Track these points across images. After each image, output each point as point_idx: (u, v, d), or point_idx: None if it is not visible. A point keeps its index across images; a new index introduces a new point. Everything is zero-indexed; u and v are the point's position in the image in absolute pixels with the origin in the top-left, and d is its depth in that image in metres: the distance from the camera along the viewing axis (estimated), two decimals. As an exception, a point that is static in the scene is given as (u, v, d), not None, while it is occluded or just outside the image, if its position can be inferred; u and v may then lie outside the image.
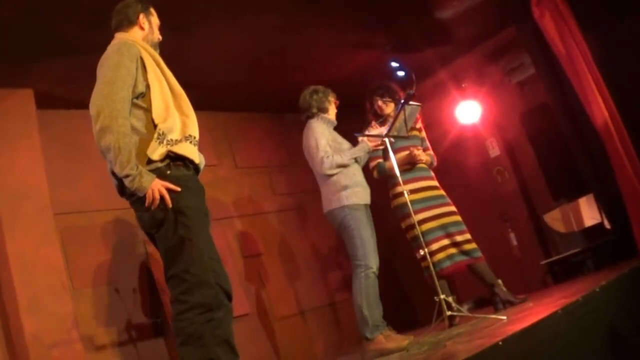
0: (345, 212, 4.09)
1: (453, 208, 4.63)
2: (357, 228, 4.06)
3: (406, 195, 4.17)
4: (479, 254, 4.54)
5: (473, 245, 4.55)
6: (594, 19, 5.20)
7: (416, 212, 4.40)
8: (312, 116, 4.35)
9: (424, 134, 4.84)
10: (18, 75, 4.56)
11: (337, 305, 6.38)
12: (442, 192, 4.67)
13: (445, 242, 4.53)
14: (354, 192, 4.12)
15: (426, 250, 4.17)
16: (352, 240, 4.07)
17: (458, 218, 4.61)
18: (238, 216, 6.09)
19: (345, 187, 4.11)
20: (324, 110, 4.36)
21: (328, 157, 4.12)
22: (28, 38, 4.16)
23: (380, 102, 4.67)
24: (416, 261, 4.54)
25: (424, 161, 4.63)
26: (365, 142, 4.25)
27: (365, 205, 4.19)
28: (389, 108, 4.67)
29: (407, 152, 4.57)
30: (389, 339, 3.82)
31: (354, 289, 4.01)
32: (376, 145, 4.33)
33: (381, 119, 4.65)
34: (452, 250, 4.53)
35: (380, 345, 3.81)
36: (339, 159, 4.13)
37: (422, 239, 4.20)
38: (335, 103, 4.42)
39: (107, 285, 4.94)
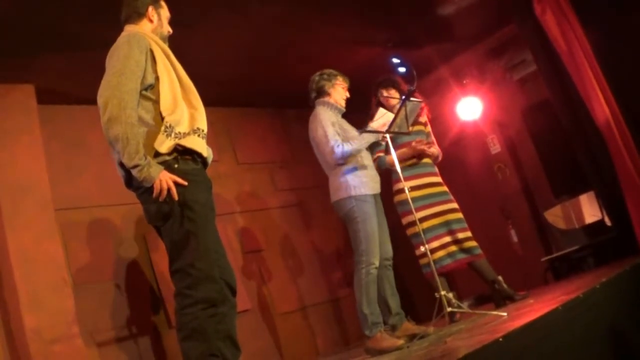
0: (352, 203, 3.95)
1: (455, 205, 4.63)
2: (362, 221, 3.92)
3: (407, 191, 4.16)
4: (479, 251, 4.55)
5: (473, 243, 4.56)
6: (595, 15, 5.19)
7: (418, 208, 4.40)
8: (315, 101, 4.24)
9: (429, 128, 4.82)
10: (19, 71, 4.55)
11: (338, 301, 6.38)
12: (445, 188, 4.66)
13: (447, 239, 4.54)
14: (362, 182, 3.99)
15: (427, 247, 4.15)
16: (356, 234, 3.95)
17: (460, 215, 4.61)
18: (239, 212, 6.09)
19: (353, 177, 3.99)
20: (323, 93, 4.21)
21: (339, 146, 3.96)
22: (29, 33, 4.16)
23: (385, 94, 4.64)
24: (416, 257, 4.55)
25: (429, 153, 4.60)
26: (373, 129, 4.08)
27: (374, 195, 4.07)
28: (394, 101, 4.63)
29: (406, 149, 4.56)
30: (384, 339, 3.75)
31: (355, 284, 3.94)
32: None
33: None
34: (453, 248, 4.54)
35: (377, 343, 3.76)
36: (349, 147, 3.95)
37: (423, 236, 4.19)
38: (343, 87, 4.25)
39: (107, 281, 4.94)
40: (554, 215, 6.53)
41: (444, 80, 6.81)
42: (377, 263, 3.91)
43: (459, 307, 4.06)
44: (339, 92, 4.23)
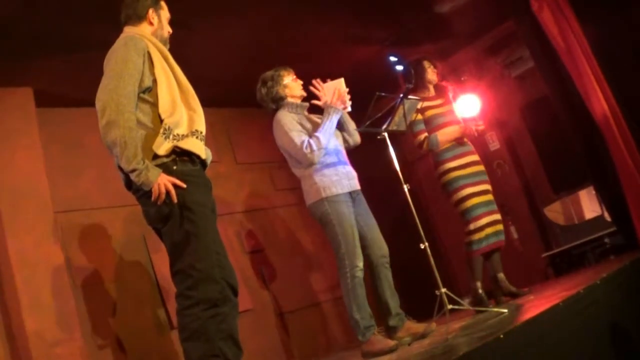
0: (325, 205, 3.80)
1: (490, 187, 4.66)
2: (338, 223, 3.77)
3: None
4: (504, 238, 4.60)
5: (502, 227, 4.60)
6: (593, 12, 5.19)
7: (466, 185, 4.48)
8: (275, 109, 4.06)
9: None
10: (17, 74, 4.55)
11: (340, 300, 6.36)
12: (483, 167, 4.68)
13: (493, 217, 4.52)
14: (333, 181, 3.83)
15: (474, 224, 4.37)
16: (334, 237, 3.79)
17: (492, 197, 4.63)
18: (239, 212, 6.09)
19: (322, 178, 3.83)
20: (281, 97, 4.01)
21: (306, 147, 3.77)
22: (27, 36, 4.15)
23: (429, 69, 4.72)
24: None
25: (474, 135, 4.63)
26: (331, 107, 3.86)
27: (351, 192, 3.90)
28: (434, 74, 4.74)
29: (457, 127, 4.59)
30: (378, 341, 3.67)
31: (342, 291, 3.83)
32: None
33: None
34: (498, 227, 4.54)
35: (371, 346, 3.69)
36: (316, 143, 3.77)
37: (470, 213, 4.37)
38: (292, 79, 4.06)
39: (108, 283, 4.95)
40: (554, 211, 6.53)
41: (441, 77, 6.79)
42: (360, 265, 3.78)
43: (460, 304, 4.05)
44: (291, 87, 4.05)
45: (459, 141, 4.59)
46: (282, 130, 3.92)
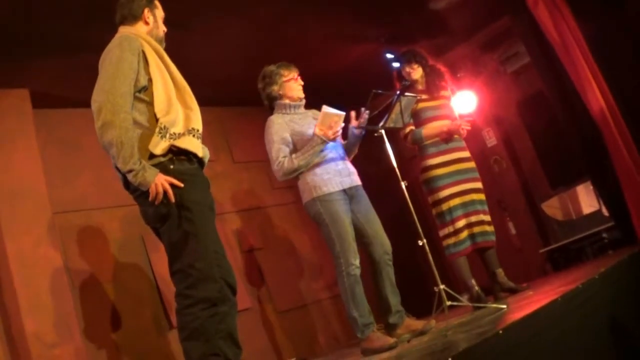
0: (318, 205, 3.77)
1: (480, 185, 4.55)
2: (331, 222, 3.73)
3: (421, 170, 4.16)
4: (494, 238, 4.53)
5: (492, 228, 4.53)
6: (588, 7, 5.18)
7: (446, 186, 4.40)
8: (269, 107, 4.01)
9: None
10: (13, 75, 4.55)
11: (338, 298, 6.36)
12: (473, 164, 4.57)
13: (471, 219, 4.44)
14: (325, 180, 3.77)
15: (454, 226, 4.29)
16: (328, 236, 3.76)
17: (483, 197, 4.55)
18: (236, 211, 6.09)
19: (314, 176, 3.78)
20: (275, 97, 3.94)
21: (278, 164, 3.78)
22: (23, 37, 4.15)
23: (407, 68, 4.59)
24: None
25: (462, 133, 4.52)
26: (319, 136, 3.72)
27: (347, 189, 3.83)
28: (416, 73, 4.59)
29: (446, 122, 4.48)
30: (377, 338, 3.65)
31: (339, 289, 3.82)
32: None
33: (406, 82, 4.43)
34: (475, 230, 4.45)
35: (370, 343, 3.67)
36: (289, 165, 3.75)
37: (450, 215, 4.32)
38: (293, 79, 3.95)
39: (107, 283, 4.95)
40: (552, 207, 6.54)
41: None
42: (356, 262, 3.74)
43: (458, 300, 4.05)
44: (290, 87, 3.95)
45: (444, 137, 4.49)
46: (267, 138, 3.89)
